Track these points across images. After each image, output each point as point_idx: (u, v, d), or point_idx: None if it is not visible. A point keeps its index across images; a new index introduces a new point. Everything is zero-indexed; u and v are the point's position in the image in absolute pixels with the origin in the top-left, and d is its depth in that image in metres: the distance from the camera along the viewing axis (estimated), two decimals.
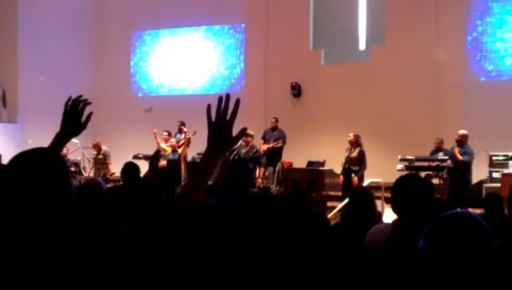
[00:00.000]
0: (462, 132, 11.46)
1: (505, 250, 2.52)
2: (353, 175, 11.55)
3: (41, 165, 1.82)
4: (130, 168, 5.98)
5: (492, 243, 1.63)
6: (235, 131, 2.33)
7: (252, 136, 12.72)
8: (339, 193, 11.88)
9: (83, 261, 1.77)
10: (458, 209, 1.79)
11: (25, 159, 1.85)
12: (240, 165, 4.64)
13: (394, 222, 3.40)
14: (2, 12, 16.84)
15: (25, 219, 1.75)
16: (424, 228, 1.71)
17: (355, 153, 11.65)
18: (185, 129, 14.10)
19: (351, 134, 11.78)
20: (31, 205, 1.76)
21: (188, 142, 13.84)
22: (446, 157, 11.79)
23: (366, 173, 11.86)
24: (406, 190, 3.21)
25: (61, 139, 2.62)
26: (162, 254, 2.07)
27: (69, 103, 2.64)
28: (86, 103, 2.66)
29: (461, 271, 1.57)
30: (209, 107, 2.21)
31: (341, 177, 11.82)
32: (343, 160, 11.99)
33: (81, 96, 2.68)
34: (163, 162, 13.30)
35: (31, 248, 1.70)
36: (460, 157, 11.20)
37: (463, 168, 11.25)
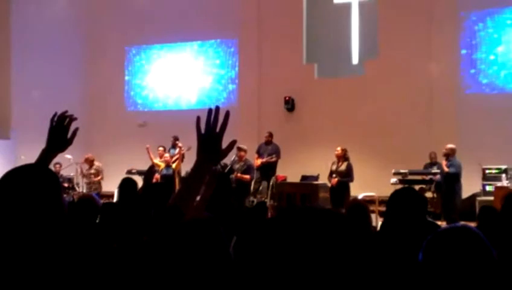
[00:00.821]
0: (450, 145, 11.63)
1: (501, 261, 2.50)
2: (334, 176, 11.61)
3: (33, 181, 1.80)
4: (127, 184, 5.87)
5: (492, 256, 1.61)
6: (225, 144, 2.32)
7: (245, 151, 12.67)
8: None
9: (70, 277, 1.75)
10: (458, 223, 1.77)
11: (16, 175, 1.83)
12: (220, 180, 4.62)
13: None
14: None
15: (16, 233, 1.73)
16: (415, 238, 1.69)
17: (343, 167, 11.71)
18: (180, 144, 14.06)
19: (339, 148, 11.83)
20: (22, 221, 1.74)
21: (182, 157, 13.80)
22: (439, 171, 11.87)
23: (359, 186, 11.85)
24: (402, 203, 3.19)
25: (47, 155, 2.58)
26: (157, 269, 2.04)
27: (55, 119, 2.61)
28: (72, 119, 2.63)
29: (461, 284, 1.55)
30: (198, 119, 2.19)
31: (333, 180, 11.76)
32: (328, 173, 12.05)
33: (66, 111, 2.65)
34: (157, 175, 13.26)
35: (21, 262, 1.68)
36: (446, 169, 11.38)
37: (451, 181, 11.36)
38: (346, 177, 11.68)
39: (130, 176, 13.75)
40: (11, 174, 1.84)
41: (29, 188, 1.79)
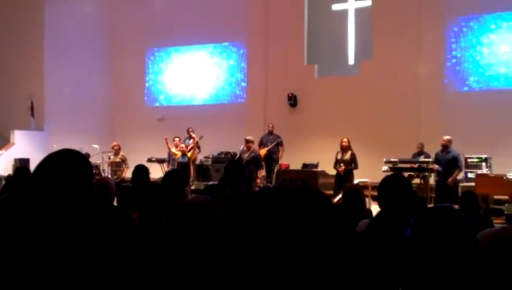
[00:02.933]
0: (447, 137, 11.36)
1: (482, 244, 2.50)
2: (341, 164, 11.49)
3: (70, 164, 1.83)
4: (140, 171, 5.83)
5: (472, 233, 1.63)
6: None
7: (252, 142, 12.62)
8: (331, 192, 11.83)
9: (101, 253, 1.77)
10: (443, 204, 1.78)
11: (56, 159, 1.85)
12: (235, 165, 4.62)
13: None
14: (30, 31, 16.94)
15: (54, 208, 1.74)
16: (403, 217, 1.70)
17: (348, 156, 11.60)
18: (193, 135, 14.06)
19: (345, 139, 11.71)
20: (60, 197, 1.76)
21: (196, 146, 13.78)
22: (428, 159, 11.76)
23: (355, 173, 11.81)
24: (391, 188, 3.21)
25: None
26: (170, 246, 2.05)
27: None
28: None
29: (445, 257, 1.56)
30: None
31: (341, 168, 11.51)
32: (332, 163, 11.90)
33: None
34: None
35: (56, 239, 1.70)
36: (460, 172, 11.21)
37: (452, 169, 11.14)
38: (351, 165, 11.60)
39: (150, 163, 13.82)
40: (51, 157, 1.86)
41: (66, 169, 1.81)
